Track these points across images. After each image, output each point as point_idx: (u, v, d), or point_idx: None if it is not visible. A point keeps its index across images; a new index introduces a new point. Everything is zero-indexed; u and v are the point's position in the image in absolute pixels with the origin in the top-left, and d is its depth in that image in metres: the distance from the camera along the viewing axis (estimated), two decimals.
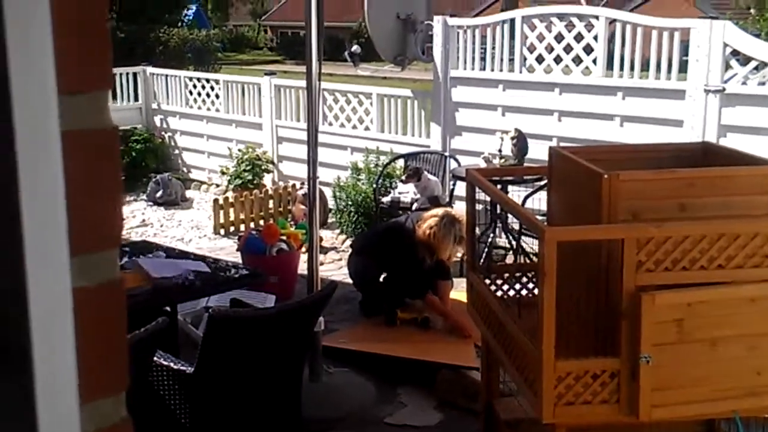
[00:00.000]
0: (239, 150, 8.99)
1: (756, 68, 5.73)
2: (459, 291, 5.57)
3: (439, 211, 5.28)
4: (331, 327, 5.23)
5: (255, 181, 8.69)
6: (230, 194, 8.48)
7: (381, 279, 5.54)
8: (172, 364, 3.25)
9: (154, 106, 10.45)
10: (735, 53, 5.81)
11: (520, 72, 6.92)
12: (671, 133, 5.98)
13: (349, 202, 7.33)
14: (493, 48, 7.07)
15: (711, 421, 3.20)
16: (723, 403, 2.62)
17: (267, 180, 9.03)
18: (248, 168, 8.72)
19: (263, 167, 8.86)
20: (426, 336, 5.09)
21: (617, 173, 2.63)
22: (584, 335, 2.74)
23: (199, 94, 9.93)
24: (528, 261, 5.68)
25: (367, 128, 8.18)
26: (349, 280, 5.79)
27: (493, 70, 7.08)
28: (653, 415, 2.57)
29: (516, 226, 6.24)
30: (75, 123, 0.69)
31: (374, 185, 7.15)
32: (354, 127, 8.27)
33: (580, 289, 2.75)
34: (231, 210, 7.97)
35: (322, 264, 6.72)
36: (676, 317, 2.54)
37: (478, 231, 5.14)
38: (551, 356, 2.50)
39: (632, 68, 6.36)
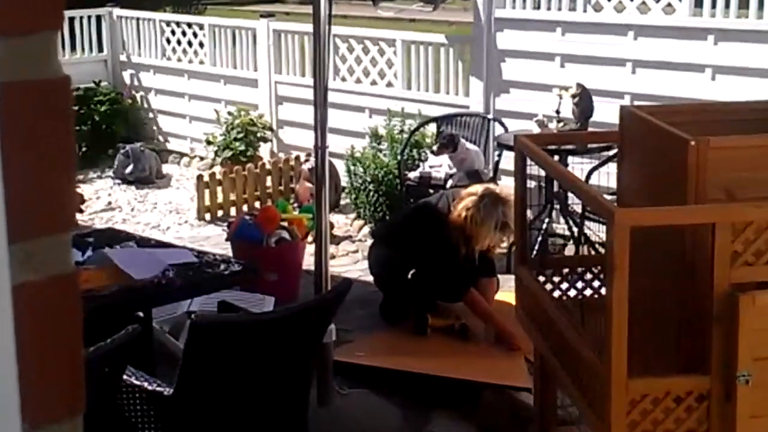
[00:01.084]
0: (229, 113, 8.99)
1: None
2: (506, 291, 5.56)
3: (479, 188, 5.27)
4: (344, 337, 5.23)
5: (249, 153, 8.68)
6: (218, 169, 8.44)
7: (408, 276, 5.55)
8: (145, 384, 3.27)
9: (123, 58, 10.48)
10: None
11: (584, 11, 6.87)
12: None
13: (368, 179, 7.32)
14: None
15: None
16: None
17: (264, 151, 8.98)
18: (240, 136, 8.72)
19: (259, 135, 8.85)
20: (464, 348, 5.09)
21: (707, 139, 2.61)
22: (665, 347, 2.73)
23: (179, 43, 9.94)
24: (593, 252, 5.65)
25: (389, 84, 8.15)
26: (368, 278, 5.79)
27: (549, 8, 7.04)
28: None
29: (578, 209, 6.21)
30: (14, 73, 0.68)
31: (399, 157, 7.14)
32: (373, 83, 8.24)
33: (660, 288, 2.74)
34: (219, 189, 7.97)
35: (333, 257, 6.69)
36: None
37: (530, 214, 5.13)
38: (623, 373, 2.49)
39: (727, 6, 6.29)
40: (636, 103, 6.33)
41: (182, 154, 9.91)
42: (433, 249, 5.26)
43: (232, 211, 7.93)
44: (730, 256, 2.50)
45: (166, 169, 9.50)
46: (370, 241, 6.93)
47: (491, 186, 5.43)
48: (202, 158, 9.57)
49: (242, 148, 8.67)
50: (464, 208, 5.08)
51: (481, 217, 5.02)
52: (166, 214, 8.22)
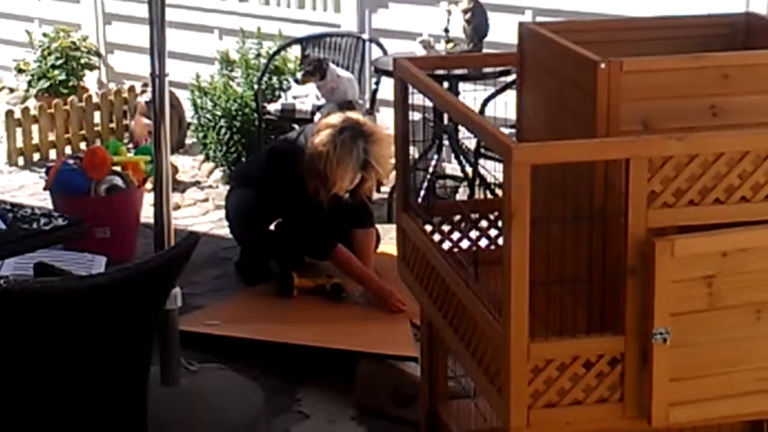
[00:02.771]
0: (45, 35, 8.80)
1: None
2: (387, 243, 5.61)
3: (338, 118, 5.21)
4: (192, 302, 5.21)
5: (71, 83, 8.55)
6: (32, 103, 8.29)
7: (271, 228, 5.54)
8: None
9: None
10: None
11: None
12: (706, 1, 6.03)
13: (218, 113, 7.26)
14: None
15: (757, 424, 3.31)
16: None
17: (90, 81, 8.86)
18: (60, 63, 8.55)
19: (83, 61, 8.71)
20: (338, 312, 5.13)
21: (619, 60, 2.66)
22: (572, 304, 2.80)
23: None
24: (490, 196, 5.73)
25: None
26: (221, 232, 5.77)
27: None
28: (672, 417, 2.64)
29: (471, 145, 6.28)
30: None
31: (256, 86, 7.09)
32: None
33: (565, 236, 2.79)
34: (34, 128, 7.83)
35: (177, 208, 6.66)
36: (706, 273, 2.60)
37: (414, 153, 5.16)
38: (523, 336, 2.54)
39: None
40: (538, 19, 6.40)
41: None
42: (287, 197, 5.25)
43: (52, 154, 7.82)
44: (647, 196, 2.55)
45: None
46: (222, 188, 6.91)
47: (353, 115, 5.38)
48: (11, 90, 9.36)
49: (62, 77, 8.52)
50: (320, 144, 5.04)
51: (338, 155, 4.98)
52: None
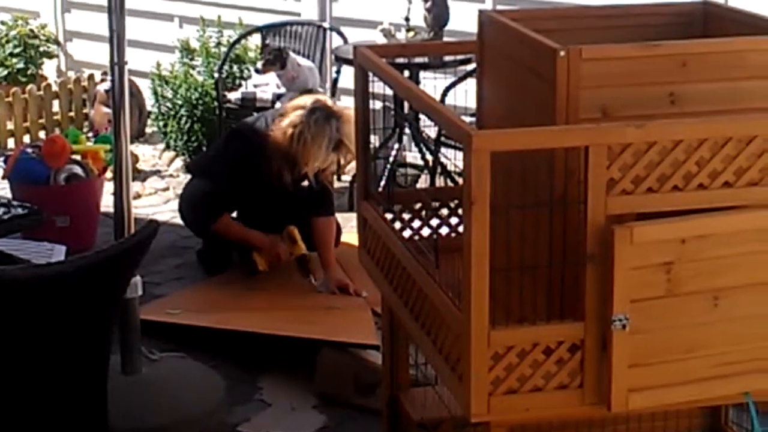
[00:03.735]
0: (2, 23, 8.73)
1: None
2: (348, 232, 5.61)
3: (307, 100, 5.23)
4: (153, 291, 5.20)
5: (30, 72, 8.50)
6: None
7: (233, 216, 5.53)
8: None
9: None
10: None
11: None
12: None
13: (178, 102, 7.24)
14: None
15: (715, 410, 3.34)
16: (730, 381, 2.73)
17: (49, 69, 8.82)
18: (18, 51, 8.50)
19: (42, 49, 8.67)
20: (299, 301, 5.13)
21: (578, 48, 2.66)
22: (532, 291, 2.80)
23: None
24: (451, 184, 5.75)
25: None
26: (181, 221, 5.75)
27: None
28: (631, 403, 2.66)
29: (432, 133, 6.28)
30: None
31: (216, 75, 7.07)
32: None
33: (525, 223, 2.80)
34: None
35: (138, 197, 6.65)
36: (665, 260, 2.62)
37: (374, 141, 5.16)
38: (484, 323, 2.55)
39: None
40: (499, 7, 6.42)
41: None
42: (252, 180, 5.24)
43: (10, 142, 7.78)
44: (606, 183, 2.56)
45: None
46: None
47: (321, 97, 5.40)
48: None
49: (21, 65, 8.48)
50: (290, 125, 5.05)
51: (312, 134, 4.99)
52: None
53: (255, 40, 7.32)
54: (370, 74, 3.29)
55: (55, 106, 8.04)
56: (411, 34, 6.41)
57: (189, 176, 5.87)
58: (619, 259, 2.55)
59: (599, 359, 2.62)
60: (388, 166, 6.23)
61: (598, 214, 2.56)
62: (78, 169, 5.95)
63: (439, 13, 6.32)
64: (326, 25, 7.23)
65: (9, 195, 5.86)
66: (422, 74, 6.13)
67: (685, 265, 2.62)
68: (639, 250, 2.57)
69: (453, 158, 5.60)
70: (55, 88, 8.10)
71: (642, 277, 2.59)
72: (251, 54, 7.29)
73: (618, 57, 2.75)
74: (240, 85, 7.05)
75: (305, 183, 5.27)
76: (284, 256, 5.22)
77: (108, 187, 5.77)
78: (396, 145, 6.41)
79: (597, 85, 2.69)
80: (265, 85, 6.77)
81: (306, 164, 5.09)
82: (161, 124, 7.44)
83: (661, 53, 2.76)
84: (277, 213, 5.31)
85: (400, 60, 5.72)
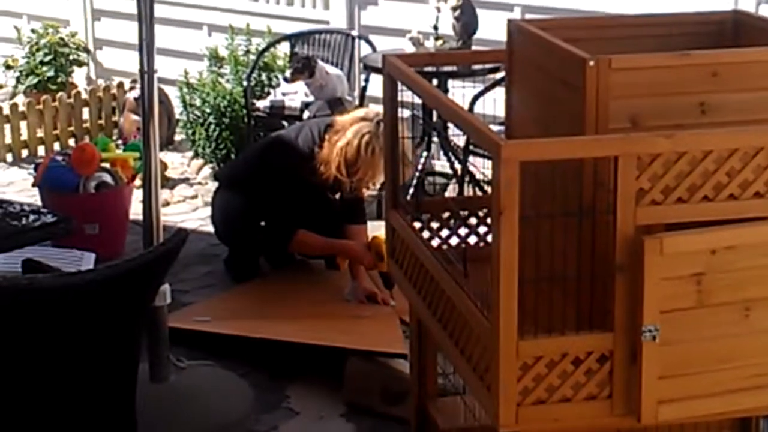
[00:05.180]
0: (33, 31, 8.77)
1: None
2: None
3: (366, 112, 5.25)
4: (182, 299, 5.21)
5: (60, 80, 8.52)
6: (21, 99, 8.25)
7: (261, 226, 5.53)
8: None
9: None
10: None
11: None
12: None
13: (207, 110, 7.24)
14: None
15: (746, 422, 3.32)
16: (761, 393, 2.72)
17: (79, 77, 8.82)
18: (48, 59, 8.53)
19: (72, 57, 8.67)
20: (327, 309, 5.12)
21: (608, 58, 2.66)
22: (561, 302, 2.80)
23: None
24: (479, 193, 5.74)
25: None
26: (209, 229, 5.76)
27: None
28: (661, 415, 2.65)
29: (461, 142, 6.27)
30: None
31: (245, 83, 7.08)
32: None
33: (554, 233, 2.79)
34: (23, 124, 7.80)
35: (166, 204, 6.65)
36: (695, 271, 2.61)
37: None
38: (512, 333, 2.54)
39: None
40: (528, 16, 6.41)
41: None
42: (294, 193, 5.24)
43: (41, 150, 7.79)
44: (635, 194, 2.55)
45: None
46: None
47: (374, 108, 5.41)
48: (0, 86, 9.31)
49: (51, 73, 8.49)
50: (357, 135, 5.04)
51: (380, 145, 4.98)
52: None
53: (284, 48, 7.32)
54: (399, 83, 3.29)
55: (85, 114, 8.05)
56: (439, 42, 6.41)
57: (216, 184, 5.86)
58: (649, 269, 2.54)
59: (628, 370, 2.62)
60: (417, 174, 6.23)
61: (627, 224, 2.55)
62: (107, 177, 5.96)
63: (467, 22, 6.31)
64: (355, 33, 7.23)
65: (39, 202, 5.88)
66: (451, 83, 6.11)
67: (715, 276, 2.62)
68: (669, 261, 2.56)
69: (481, 167, 5.60)
70: (84, 96, 8.12)
71: (672, 288, 2.59)
72: (280, 62, 7.29)
73: (648, 66, 2.74)
74: (268, 94, 7.05)
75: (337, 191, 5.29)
76: (369, 266, 5.19)
77: (137, 195, 5.78)
78: (424, 154, 6.40)
79: (627, 95, 2.69)
80: (293, 93, 6.77)
81: (372, 175, 5.09)
82: (189, 131, 7.45)
83: (692, 63, 2.75)
84: (311, 220, 5.31)
85: (429, 69, 5.71)
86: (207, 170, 7.32)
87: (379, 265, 5.13)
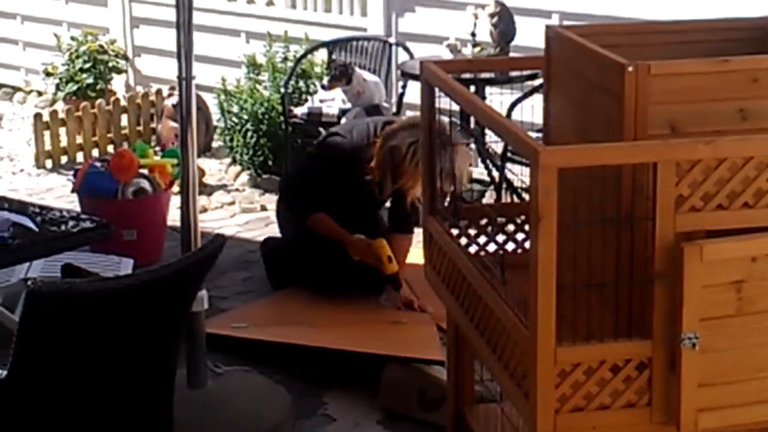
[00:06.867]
0: (73, 38, 8.84)
1: None
2: (412, 247, 5.60)
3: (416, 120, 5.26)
4: (219, 305, 5.22)
5: (99, 86, 8.60)
6: (60, 106, 8.33)
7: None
8: None
9: None
10: None
11: None
12: (735, 4, 6.00)
13: (245, 117, 7.28)
14: None
15: None
16: None
17: (118, 84, 8.89)
18: (88, 66, 8.60)
19: (111, 65, 8.76)
20: (364, 315, 5.13)
21: (647, 64, 2.65)
22: (599, 309, 2.79)
23: None
24: (517, 200, 5.73)
25: (269, 2, 8.09)
26: (246, 235, 5.79)
27: None
28: (701, 423, 2.63)
29: (498, 149, 6.27)
30: None
31: (282, 90, 7.10)
32: (250, 1, 8.16)
33: (592, 240, 2.78)
34: (62, 131, 7.87)
35: (204, 211, 6.69)
36: (735, 278, 2.59)
37: None
38: (550, 340, 2.54)
39: None
40: (565, 23, 6.39)
41: (15, 89, 9.75)
42: (346, 194, 5.24)
43: (79, 156, 7.85)
44: (675, 200, 2.54)
45: None
46: (249, 191, 6.94)
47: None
48: (40, 93, 9.41)
49: (90, 80, 8.58)
50: (405, 143, 5.02)
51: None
52: None
53: (321, 55, 7.35)
54: (436, 89, 3.29)
55: (124, 120, 8.12)
56: (477, 49, 6.41)
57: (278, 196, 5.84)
58: (689, 277, 2.53)
59: (667, 378, 2.60)
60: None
61: (666, 231, 2.54)
62: (145, 183, 5.99)
63: (505, 29, 6.31)
64: (392, 40, 7.24)
65: (78, 208, 5.92)
66: (488, 89, 6.11)
67: (755, 284, 2.60)
68: (709, 268, 2.55)
69: (519, 174, 5.58)
70: (123, 102, 8.18)
71: (712, 296, 2.57)
72: (317, 69, 7.31)
73: (687, 72, 2.73)
74: (306, 100, 7.07)
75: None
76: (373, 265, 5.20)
77: (175, 201, 5.81)
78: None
79: (666, 101, 2.68)
80: (331, 100, 6.78)
81: (412, 185, 5.06)
82: (227, 138, 7.49)
83: (732, 69, 2.74)
84: (359, 221, 5.31)
85: (466, 75, 5.71)
86: (244, 177, 7.35)
87: (381, 268, 5.14)
